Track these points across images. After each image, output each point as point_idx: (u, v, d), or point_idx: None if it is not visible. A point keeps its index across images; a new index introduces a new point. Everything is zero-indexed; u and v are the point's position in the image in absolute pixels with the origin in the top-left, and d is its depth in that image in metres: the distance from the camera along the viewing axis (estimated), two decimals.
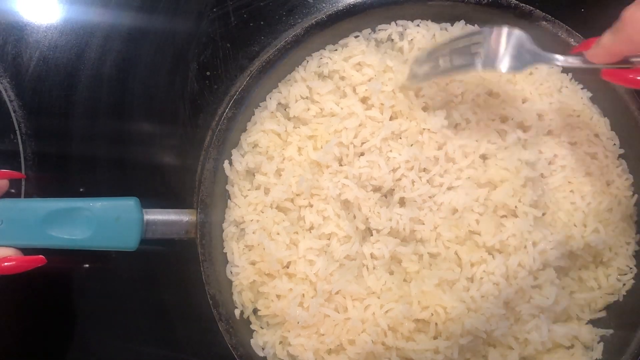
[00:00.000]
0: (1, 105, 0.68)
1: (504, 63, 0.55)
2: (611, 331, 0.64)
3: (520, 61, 0.55)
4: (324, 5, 0.70)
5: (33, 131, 0.68)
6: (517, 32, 0.55)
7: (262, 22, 0.70)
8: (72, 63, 0.69)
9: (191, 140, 0.70)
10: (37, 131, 0.68)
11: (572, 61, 0.56)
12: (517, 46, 0.55)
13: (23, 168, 0.67)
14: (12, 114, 0.68)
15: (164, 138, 0.70)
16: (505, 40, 0.55)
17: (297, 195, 0.64)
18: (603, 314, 0.66)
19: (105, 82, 0.69)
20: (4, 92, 0.68)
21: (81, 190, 0.68)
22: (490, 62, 0.55)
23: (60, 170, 0.69)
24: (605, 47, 0.52)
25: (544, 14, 0.63)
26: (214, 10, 0.70)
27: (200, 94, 0.70)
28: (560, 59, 0.56)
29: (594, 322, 0.66)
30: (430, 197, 0.64)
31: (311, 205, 0.64)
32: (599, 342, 0.65)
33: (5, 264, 0.55)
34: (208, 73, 0.70)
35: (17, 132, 0.68)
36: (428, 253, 0.63)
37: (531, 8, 0.64)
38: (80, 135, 0.69)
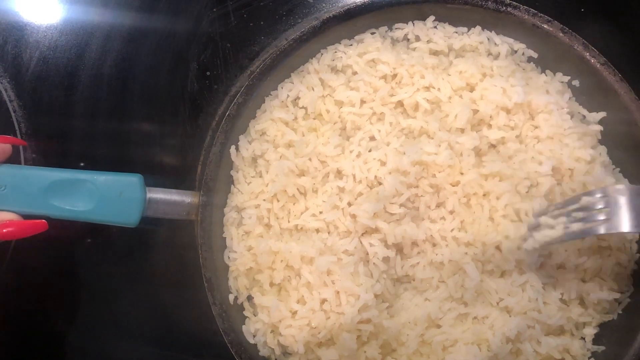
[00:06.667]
0: (1, 105, 0.68)
1: (630, 223, 0.54)
2: (603, 348, 0.64)
3: None
4: (324, 5, 0.71)
5: (33, 131, 0.68)
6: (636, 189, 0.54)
7: (262, 22, 0.70)
8: (72, 63, 0.69)
9: (191, 140, 0.70)
10: (37, 131, 0.68)
11: None
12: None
13: None
14: (12, 114, 0.68)
15: (164, 138, 0.70)
16: (627, 200, 0.54)
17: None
18: (596, 329, 0.65)
19: (105, 82, 0.69)
20: (4, 92, 0.68)
21: None
22: (614, 226, 0.54)
23: None
24: None
25: (562, 25, 0.63)
26: (214, 10, 0.70)
27: (200, 94, 0.70)
28: None
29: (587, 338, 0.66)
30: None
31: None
32: (589, 358, 0.65)
33: (5, 230, 0.55)
34: (208, 73, 0.70)
35: (17, 132, 0.68)
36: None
37: (549, 18, 0.64)
38: (80, 135, 0.69)
